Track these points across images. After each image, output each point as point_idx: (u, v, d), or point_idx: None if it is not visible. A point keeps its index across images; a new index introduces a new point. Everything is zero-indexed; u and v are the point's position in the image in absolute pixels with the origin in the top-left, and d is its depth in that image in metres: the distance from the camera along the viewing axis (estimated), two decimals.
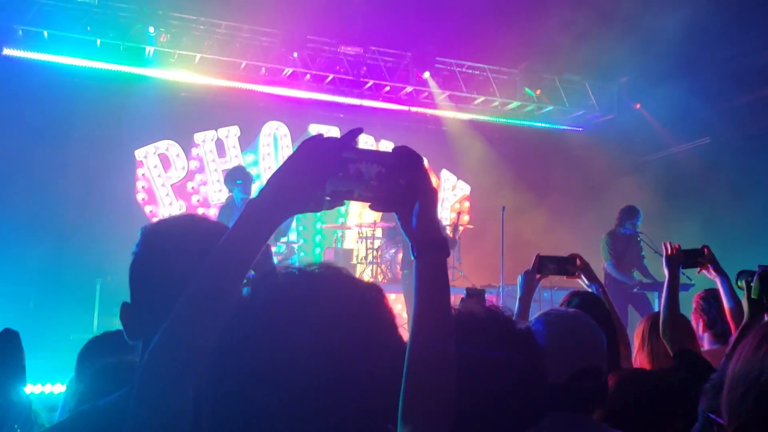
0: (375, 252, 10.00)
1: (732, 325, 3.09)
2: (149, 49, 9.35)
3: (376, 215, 9.29)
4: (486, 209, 11.06)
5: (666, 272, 3.03)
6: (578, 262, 3.11)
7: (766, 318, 2.48)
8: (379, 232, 9.93)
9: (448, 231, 9.56)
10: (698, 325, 3.57)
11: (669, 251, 3.04)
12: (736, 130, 9.55)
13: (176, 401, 1.04)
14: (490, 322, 1.50)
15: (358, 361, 0.99)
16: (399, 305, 10.58)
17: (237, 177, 6.77)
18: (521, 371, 1.42)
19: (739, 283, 2.74)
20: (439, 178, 11.84)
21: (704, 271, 3.20)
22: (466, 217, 11.80)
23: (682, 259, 3.07)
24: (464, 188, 12.08)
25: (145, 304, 1.42)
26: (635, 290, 7.54)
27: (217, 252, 1.10)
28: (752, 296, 2.46)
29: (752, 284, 2.47)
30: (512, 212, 9.49)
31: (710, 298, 3.53)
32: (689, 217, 9.21)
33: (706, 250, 3.18)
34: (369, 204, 1.20)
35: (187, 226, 1.51)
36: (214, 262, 1.09)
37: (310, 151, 1.14)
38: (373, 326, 1.03)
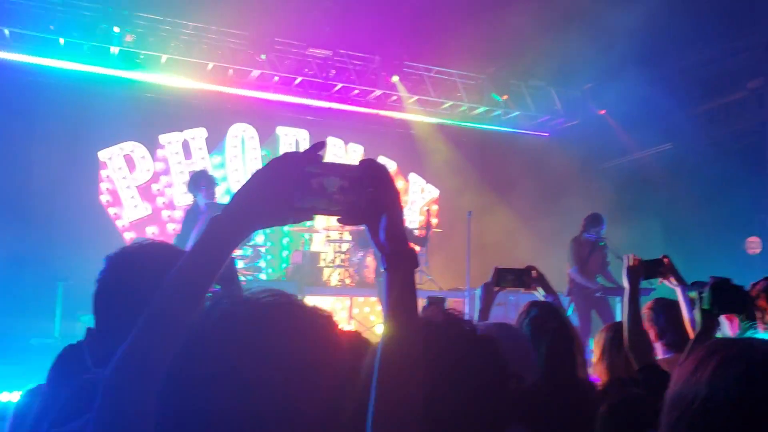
0: (343, 255, 9.99)
1: (692, 335, 3.09)
2: (114, 49, 9.22)
3: None
4: (453, 212, 11.13)
5: (626, 284, 2.97)
6: (534, 273, 3.13)
7: (719, 330, 2.53)
8: (347, 236, 9.91)
9: (417, 231, 9.61)
10: (650, 335, 3.58)
11: (630, 263, 3.00)
12: (698, 136, 9.74)
13: (137, 419, 1.03)
14: (452, 331, 1.50)
15: (303, 397, 0.99)
16: (367, 308, 10.63)
17: (200, 182, 6.71)
18: (484, 379, 1.43)
19: (692, 294, 2.77)
20: (407, 181, 11.87)
21: (665, 282, 3.18)
22: (434, 220, 11.84)
23: (642, 272, 3.05)
24: (432, 191, 12.14)
25: (109, 330, 1.41)
26: (598, 294, 7.63)
27: (180, 268, 1.10)
28: (703, 306, 2.51)
29: (704, 295, 2.52)
30: (478, 216, 9.55)
31: (658, 307, 3.48)
32: (651, 222, 9.37)
33: (665, 260, 3.16)
34: (337, 218, 1.20)
35: (151, 254, 1.52)
36: (177, 278, 1.09)
37: (274, 166, 1.14)
38: (321, 361, 1.03)
